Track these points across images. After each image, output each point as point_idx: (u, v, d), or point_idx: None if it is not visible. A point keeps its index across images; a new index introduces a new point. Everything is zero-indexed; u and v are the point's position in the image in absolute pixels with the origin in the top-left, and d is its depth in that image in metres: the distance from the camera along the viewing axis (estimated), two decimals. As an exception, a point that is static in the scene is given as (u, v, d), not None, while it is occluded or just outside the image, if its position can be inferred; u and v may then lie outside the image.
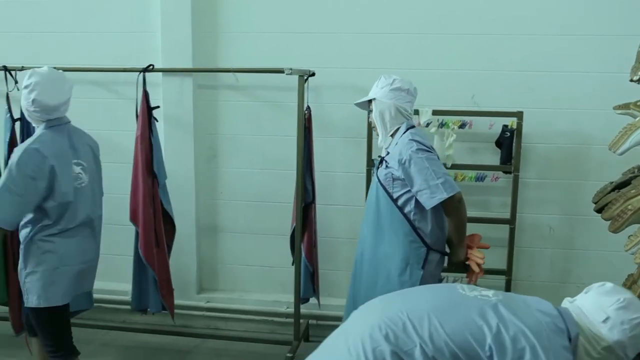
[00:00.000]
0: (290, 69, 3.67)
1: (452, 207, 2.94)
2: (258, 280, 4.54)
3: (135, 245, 3.89)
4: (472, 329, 1.87)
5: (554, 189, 4.13)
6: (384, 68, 3.92)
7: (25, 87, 3.04)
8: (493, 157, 4.06)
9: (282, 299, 4.43)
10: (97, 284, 4.08)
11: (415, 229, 3.00)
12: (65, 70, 3.83)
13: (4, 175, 2.93)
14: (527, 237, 4.19)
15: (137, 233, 3.86)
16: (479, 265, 3.08)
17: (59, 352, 3.18)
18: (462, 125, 3.95)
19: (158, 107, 3.85)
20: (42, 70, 3.08)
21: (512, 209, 3.99)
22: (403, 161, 2.93)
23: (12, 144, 3.80)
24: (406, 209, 3.01)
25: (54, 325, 3.14)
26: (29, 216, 3.01)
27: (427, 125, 3.90)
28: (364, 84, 4.12)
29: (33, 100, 3.01)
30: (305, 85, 3.78)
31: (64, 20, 4.43)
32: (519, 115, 3.87)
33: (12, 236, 3.72)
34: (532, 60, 3.99)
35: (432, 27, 4.06)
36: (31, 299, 3.06)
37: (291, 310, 4.26)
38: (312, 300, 4.23)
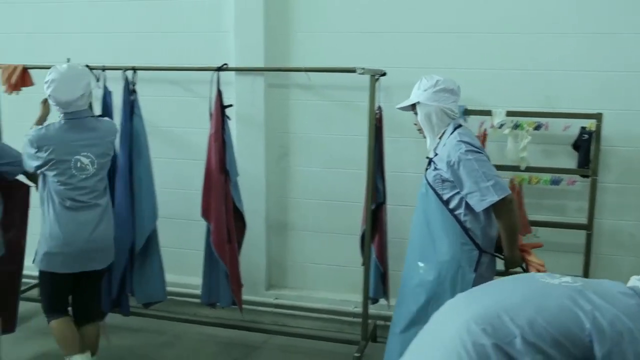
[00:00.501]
0: (362, 68, 3.66)
1: (502, 210, 2.86)
2: (326, 279, 4.55)
3: (207, 241, 3.97)
4: (568, 315, 1.81)
5: (635, 195, 3.95)
6: (456, 68, 3.88)
7: (45, 82, 3.30)
8: (569, 160, 3.92)
9: (351, 298, 4.43)
10: (170, 277, 4.24)
11: (466, 230, 2.93)
12: (143, 69, 4.01)
13: None
14: (605, 244, 4.02)
15: (208, 229, 3.94)
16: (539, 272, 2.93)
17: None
18: (538, 127, 3.83)
19: (231, 105, 3.92)
20: (61, 67, 3.34)
21: (590, 214, 3.84)
22: (452, 163, 2.87)
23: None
24: (457, 211, 2.95)
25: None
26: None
27: (501, 126, 3.80)
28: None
29: (49, 96, 3.30)
30: (377, 84, 3.76)
31: (143, 21, 4.57)
32: (598, 117, 3.72)
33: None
34: (612, 60, 3.82)
35: (505, 26, 3.96)
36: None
37: (359, 310, 4.25)
38: (381, 301, 4.20)
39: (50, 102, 3.35)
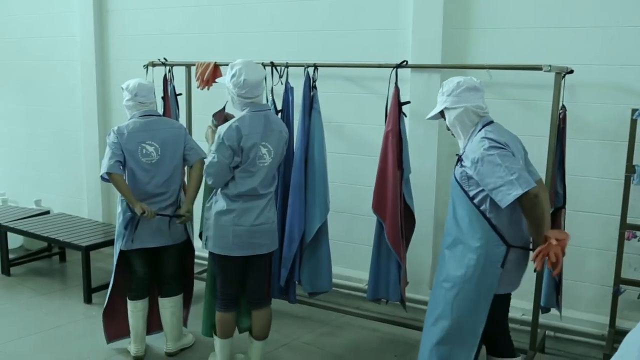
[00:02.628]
0: (549, 65, 3.49)
1: (528, 204, 2.80)
2: (493, 283, 4.41)
3: (377, 237, 4.00)
4: None
5: None
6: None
7: (232, 76, 3.41)
8: None
9: (518, 304, 4.23)
10: (336, 269, 4.33)
11: (493, 227, 2.91)
12: (324, 66, 4.14)
13: None
14: None
15: (379, 223, 3.98)
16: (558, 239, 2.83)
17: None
18: None
19: (409, 102, 3.93)
20: (237, 60, 3.50)
21: None
22: (475, 160, 2.86)
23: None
24: (482, 207, 2.93)
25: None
26: None
27: None
28: (627, 83, 3.80)
29: (237, 86, 3.40)
30: (562, 83, 3.58)
31: (325, 20, 4.73)
32: None
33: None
34: None
35: None
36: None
37: (527, 317, 4.08)
38: (553, 310, 4.00)
39: (236, 93, 3.38)
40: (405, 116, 3.95)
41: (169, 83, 4.80)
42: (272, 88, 4.16)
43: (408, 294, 4.22)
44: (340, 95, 4.59)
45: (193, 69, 4.95)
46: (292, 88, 4.15)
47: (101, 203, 6.24)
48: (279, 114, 4.16)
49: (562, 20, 3.95)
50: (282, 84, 4.15)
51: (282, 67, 4.17)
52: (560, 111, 3.66)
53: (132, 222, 3.78)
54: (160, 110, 4.81)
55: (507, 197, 2.77)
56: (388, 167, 3.87)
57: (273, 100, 4.16)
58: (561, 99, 3.60)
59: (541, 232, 2.88)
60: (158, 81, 4.83)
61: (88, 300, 4.98)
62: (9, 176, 7.00)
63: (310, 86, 4.07)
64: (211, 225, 3.50)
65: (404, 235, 3.98)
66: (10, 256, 5.71)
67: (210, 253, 3.60)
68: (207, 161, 3.45)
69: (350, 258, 4.64)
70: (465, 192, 2.97)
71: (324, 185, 4.09)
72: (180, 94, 4.89)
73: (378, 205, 3.95)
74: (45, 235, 5.35)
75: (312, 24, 4.77)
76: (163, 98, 4.76)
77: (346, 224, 4.67)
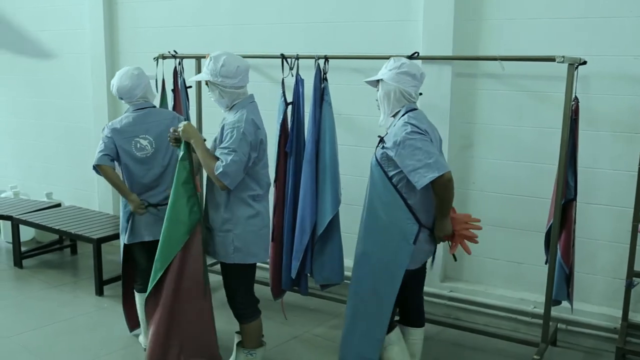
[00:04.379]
0: (562, 56, 3.46)
1: (442, 186, 3.02)
2: (504, 275, 4.40)
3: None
4: None
5: None
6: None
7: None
8: None
9: (530, 297, 4.25)
10: (347, 262, 4.31)
11: (408, 206, 3.14)
12: (335, 58, 4.12)
13: None
14: None
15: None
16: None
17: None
18: None
19: (421, 94, 3.90)
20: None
21: None
22: (397, 142, 3.05)
23: (284, 126, 4.16)
24: (399, 186, 3.14)
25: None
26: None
27: None
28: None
29: (221, 80, 3.32)
30: (574, 74, 3.54)
31: (335, 11, 4.71)
32: None
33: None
34: None
35: None
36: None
37: (539, 310, 4.08)
38: (564, 303, 3.98)
39: (228, 84, 3.27)
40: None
41: (179, 75, 4.80)
42: (282, 80, 4.15)
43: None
44: (350, 87, 4.56)
45: (203, 61, 4.94)
46: (302, 80, 4.13)
47: (111, 196, 6.24)
48: (289, 106, 4.15)
49: (575, 11, 3.91)
50: (292, 76, 4.13)
51: (293, 59, 4.16)
52: (573, 103, 3.63)
53: (133, 216, 3.82)
54: (171, 103, 4.82)
55: (423, 178, 2.99)
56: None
57: (283, 92, 4.15)
58: (574, 91, 3.56)
59: (446, 214, 3.17)
60: (168, 74, 4.83)
61: (100, 292, 5.01)
62: (21, 169, 7.03)
63: (321, 78, 4.05)
64: (239, 235, 3.32)
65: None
66: (22, 249, 5.75)
67: (233, 266, 3.38)
68: (222, 162, 3.14)
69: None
70: (385, 172, 3.17)
71: (335, 178, 4.08)
72: (190, 87, 4.89)
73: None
74: (57, 227, 5.37)
75: (321, 16, 4.75)
76: (173, 90, 4.76)
77: (358, 217, 4.63)
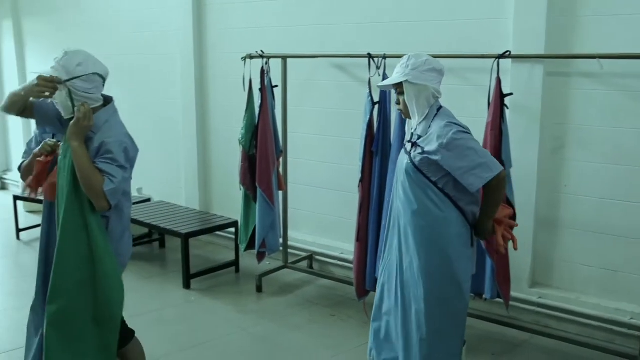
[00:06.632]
0: (668, 54, 3.28)
1: (496, 185, 2.88)
2: (598, 283, 4.20)
3: (474, 231, 3.91)
4: None
5: None
6: None
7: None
8: None
9: (626, 308, 4.04)
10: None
11: (460, 209, 2.95)
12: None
13: None
14: None
15: (476, 219, 3.88)
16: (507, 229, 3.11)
17: None
18: None
19: (511, 94, 3.80)
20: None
21: None
22: (443, 145, 2.85)
23: (370, 126, 4.14)
24: (447, 191, 2.94)
25: None
26: None
27: None
28: None
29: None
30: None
31: (419, 10, 4.64)
32: None
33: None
34: None
35: None
36: None
37: (636, 322, 3.88)
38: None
39: (87, 88, 2.80)
40: (508, 108, 3.82)
41: (266, 75, 4.87)
42: (369, 80, 4.13)
43: (505, 292, 4.10)
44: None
45: (289, 61, 5.01)
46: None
47: (198, 192, 6.43)
48: (376, 106, 4.13)
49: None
50: (379, 75, 4.11)
51: (380, 59, 4.13)
52: (679, 103, 3.42)
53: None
54: (257, 103, 4.89)
55: (479, 180, 2.85)
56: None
57: (370, 92, 4.13)
58: (680, 90, 3.37)
59: (493, 215, 3.02)
60: (255, 73, 4.91)
61: (187, 285, 5.16)
62: (113, 165, 7.33)
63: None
64: None
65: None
66: (115, 241, 6.00)
67: None
68: (114, 177, 2.76)
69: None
70: (428, 178, 2.95)
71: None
72: (276, 86, 4.95)
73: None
74: (147, 222, 5.59)
75: (409, 15, 4.70)
76: (260, 90, 4.84)
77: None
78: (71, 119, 2.75)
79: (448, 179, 2.93)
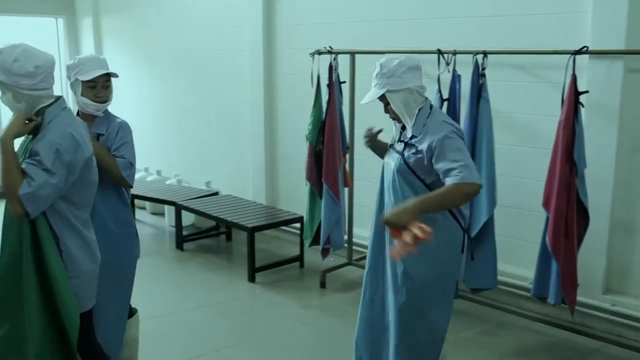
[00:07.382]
0: None
1: (466, 193, 2.65)
2: (679, 292, 3.99)
3: (544, 233, 3.79)
4: None
5: None
6: None
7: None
8: None
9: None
10: (500, 266, 4.16)
11: (452, 213, 2.86)
12: (494, 53, 3.96)
13: None
14: None
15: (547, 220, 3.75)
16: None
17: None
18: None
19: (587, 91, 3.65)
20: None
21: None
22: (434, 142, 2.73)
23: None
24: None
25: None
26: None
27: None
28: None
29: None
30: None
31: (491, 4, 4.52)
32: None
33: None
34: None
35: None
36: None
37: None
38: None
39: (26, 85, 2.51)
40: (583, 106, 3.67)
41: (334, 71, 4.86)
42: (438, 76, 4.06)
43: (578, 298, 3.93)
44: (511, 84, 4.36)
45: (357, 57, 4.99)
46: (459, 76, 4.02)
47: (264, 187, 6.51)
48: (444, 102, 4.05)
49: None
50: (448, 72, 4.03)
51: (449, 55, 4.05)
52: None
53: None
54: (325, 98, 4.89)
55: (455, 178, 2.65)
56: (556, 160, 3.65)
57: (439, 89, 4.06)
58: None
59: (430, 208, 2.72)
60: (323, 69, 4.91)
61: (252, 279, 5.23)
62: (184, 159, 7.54)
63: (478, 74, 3.92)
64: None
65: (572, 233, 3.72)
66: (183, 233, 6.16)
67: None
68: (33, 180, 2.44)
69: (516, 255, 4.43)
70: (422, 180, 2.86)
71: (492, 178, 3.94)
72: (344, 82, 4.94)
73: (547, 200, 3.73)
74: (215, 215, 5.69)
75: (480, 9, 4.57)
76: (328, 86, 4.83)
77: (512, 220, 4.45)
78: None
79: (439, 181, 2.80)
